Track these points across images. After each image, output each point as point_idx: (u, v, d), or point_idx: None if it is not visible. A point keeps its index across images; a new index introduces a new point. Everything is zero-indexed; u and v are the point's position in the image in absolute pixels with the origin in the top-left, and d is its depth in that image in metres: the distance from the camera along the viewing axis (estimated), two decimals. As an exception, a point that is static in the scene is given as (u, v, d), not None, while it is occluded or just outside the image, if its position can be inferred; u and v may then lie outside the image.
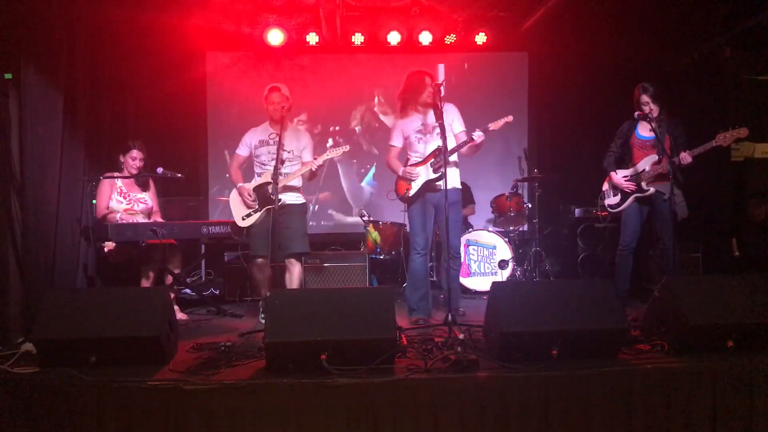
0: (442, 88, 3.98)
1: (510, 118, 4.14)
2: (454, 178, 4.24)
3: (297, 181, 4.36)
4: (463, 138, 4.18)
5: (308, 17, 6.14)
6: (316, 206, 6.73)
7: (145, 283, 4.50)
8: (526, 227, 6.05)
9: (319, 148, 4.50)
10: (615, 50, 6.01)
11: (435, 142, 4.18)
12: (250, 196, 4.30)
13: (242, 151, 4.46)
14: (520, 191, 6.08)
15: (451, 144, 4.15)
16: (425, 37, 6.29)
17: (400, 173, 4.33)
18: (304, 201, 4.48)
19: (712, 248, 5.54)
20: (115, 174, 4.56)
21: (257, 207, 4.30)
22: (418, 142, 4.29)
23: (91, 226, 4.14)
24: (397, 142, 4.40)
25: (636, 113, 4.24)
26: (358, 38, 6.32)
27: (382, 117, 6.86)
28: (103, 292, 3.74)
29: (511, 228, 5.91)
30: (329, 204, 6.83)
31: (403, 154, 4.44)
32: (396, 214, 5.80)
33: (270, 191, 4.12)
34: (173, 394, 2.70)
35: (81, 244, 4.51)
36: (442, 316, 4.05)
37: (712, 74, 5.71)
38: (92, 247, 4.27)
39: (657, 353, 3.08)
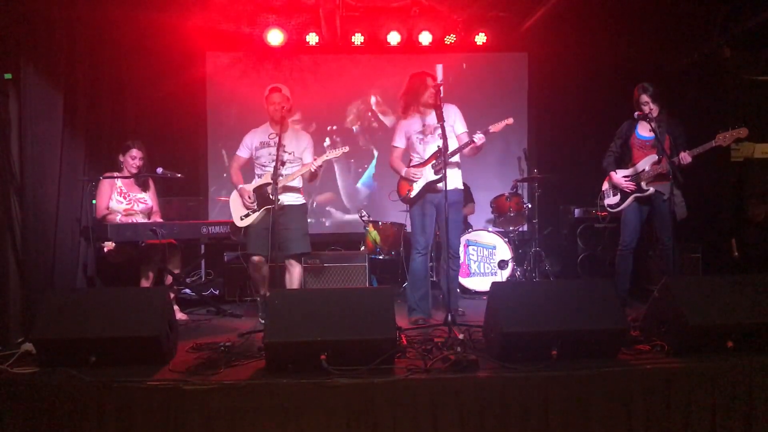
0: (441, 89, 3.98)
1: (510, 120, 4.13)
2: (456, 179, 4.24)
3: (297, 182, 4.35)
4: (465, 139, 4.18)
5: (308, 17, 6.14)
6: (314, 204, 6.72)
7: (145, 283, 4.50)
8: (525, 227, 6.05)
9: (316, 148, 4.49)
10: (615, 50, 6.01)
11: (435, 143, 4.18)
12: (250, 198, 4.30)
13: (243, 152, 4.45)
14: (519, 191, 6.08)
15: (454, 144, 4.15)
16: (425, 38, 6.28)
17: (403, 174, 4.33)
18: (304, 201, 4.48)
19: (711, 248, 5.53)
20: (115, 174, 4.55)
21: (256, 207, 4.30)
22: (419, 143, 4.29)
23: (91, 226, 4.15)
24: (399, 142, 4.39)
25: (636, 113, 4.24)
26: (357, 38, 6.31)
27: (381, 117, 6.86)
28: (103, 292, 3.75)
29: (510, 228, 5.91)
30: (329, 204, 6.83)
31: (407, 155, 4.43)
32: (396, 214, 5.80)
33: (269, 192, 4.12)
34: (173, 395, 2.70)
35: (81, 244, 4.51)
36: (441, 316, 4.05)
37: (712, 74, 5.71)
38: (92, 247, 4.28)
39: (657, 353, 3.08)
